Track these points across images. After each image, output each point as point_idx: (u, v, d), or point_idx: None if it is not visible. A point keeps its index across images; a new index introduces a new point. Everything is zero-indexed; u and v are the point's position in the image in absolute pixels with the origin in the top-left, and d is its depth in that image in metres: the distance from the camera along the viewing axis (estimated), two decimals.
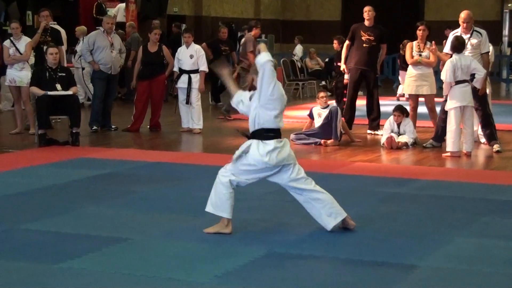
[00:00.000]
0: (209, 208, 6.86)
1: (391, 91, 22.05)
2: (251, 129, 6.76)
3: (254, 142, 6.72)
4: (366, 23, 13.87)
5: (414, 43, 13.21)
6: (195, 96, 14.11)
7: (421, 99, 13.23)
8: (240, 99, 6.89)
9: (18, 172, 9.94)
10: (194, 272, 5.81)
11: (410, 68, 13.22)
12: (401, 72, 21.48)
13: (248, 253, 6.27)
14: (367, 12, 13.87)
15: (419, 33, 13.16)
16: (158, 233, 6.89)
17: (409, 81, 13.15)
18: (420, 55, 13.06)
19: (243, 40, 16.50)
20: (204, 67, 14.17)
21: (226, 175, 6.79)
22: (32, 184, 9.09)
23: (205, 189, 7.35)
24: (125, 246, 6.50)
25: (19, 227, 7.08)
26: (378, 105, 14.10)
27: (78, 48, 17.15)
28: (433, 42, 13.03)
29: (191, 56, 14.11)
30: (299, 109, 17.14)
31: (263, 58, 6.60)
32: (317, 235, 6.89)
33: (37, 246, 6.47)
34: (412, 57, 13.10)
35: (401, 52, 20.55)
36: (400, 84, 20.76)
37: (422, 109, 13.47)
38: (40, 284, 5.53)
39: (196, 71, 14.13)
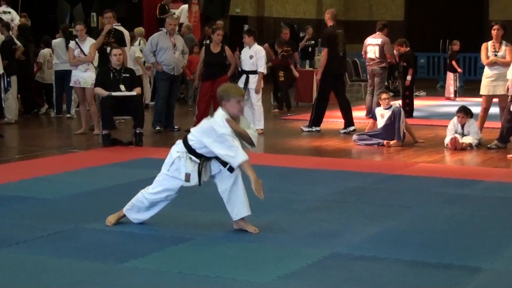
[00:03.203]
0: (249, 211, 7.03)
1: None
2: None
3: None
4: None
5: (489, 43, 12.95)
6: (255, 96, 14.13)
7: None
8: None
9: (82, 172, 10.06)
10: (257, 272, 5.80)
11: (486, 68, 12.95)
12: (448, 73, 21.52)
13: (311, 254, 6.24)
14: None
15: (493, 32, 12.91)
16: (221, 234, 6.91)
17: (486, 82, 12.87)
18: (495, 55, 12.82)
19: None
20: (262, 68, 14.17)
21: None
22: (96, 184, 9.19)
23: (268, 189, 7.33)
24: (188, 246, 6.54)
25: (84, 227, 7.16)
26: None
27: (136, 48, 17.30)
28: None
29: (250, 56, 14.14)
30: (360, 110, 17.02)
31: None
32: (380, 236, 6.84)
33: (102, 246, 6.53)
34: (488, 57, 12.86)
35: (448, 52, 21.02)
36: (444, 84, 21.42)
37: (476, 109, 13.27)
38: (104, 284, 5.58)
39: (254, 72, 14.15)
